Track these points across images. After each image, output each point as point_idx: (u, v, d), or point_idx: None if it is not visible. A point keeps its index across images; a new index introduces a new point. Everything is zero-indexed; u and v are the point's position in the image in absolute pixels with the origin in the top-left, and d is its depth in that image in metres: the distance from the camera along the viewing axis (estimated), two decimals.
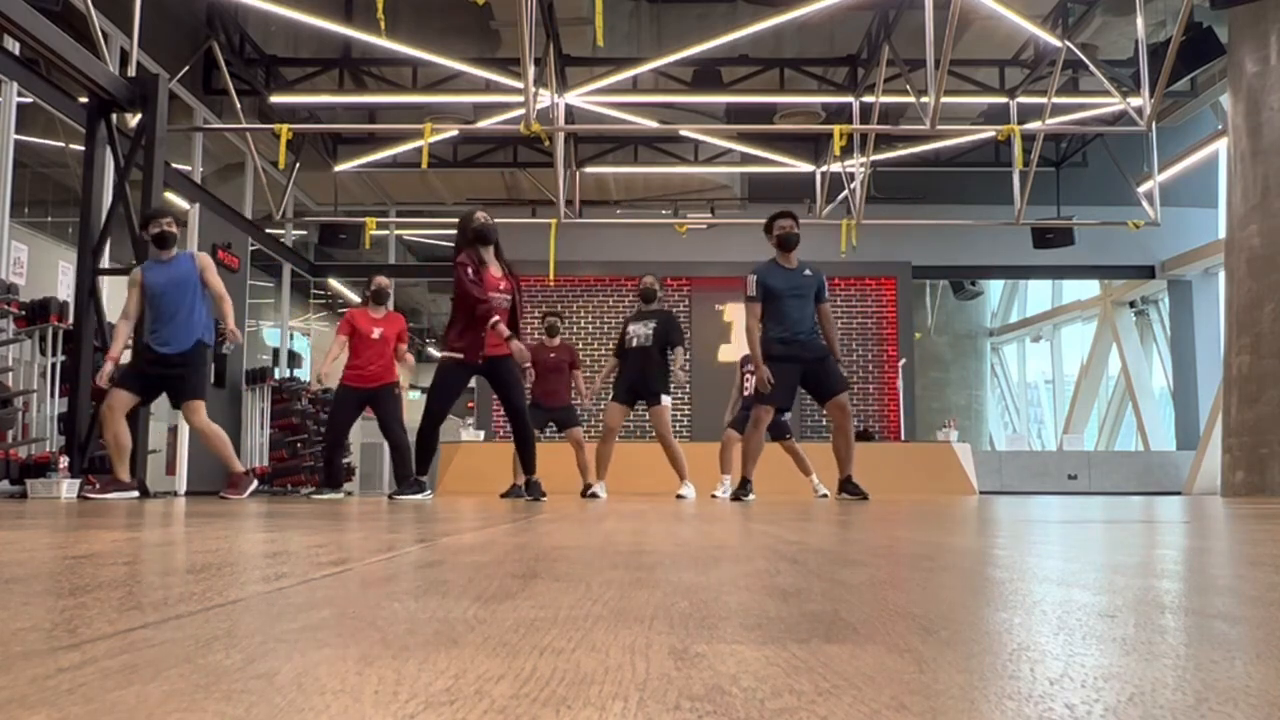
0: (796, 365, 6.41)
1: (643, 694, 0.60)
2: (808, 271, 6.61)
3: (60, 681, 0.62)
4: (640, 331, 7.94)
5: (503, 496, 7.70)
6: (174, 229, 6.68)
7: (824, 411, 6.81)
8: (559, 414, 8.58)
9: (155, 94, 7.89)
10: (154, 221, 6.65)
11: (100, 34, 7.77)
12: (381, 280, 8.04)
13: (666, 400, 7.90)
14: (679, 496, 7.63)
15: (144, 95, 7.86)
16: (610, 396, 7.98)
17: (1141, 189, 13.21)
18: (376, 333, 7.83)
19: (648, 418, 8.16)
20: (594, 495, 7.75)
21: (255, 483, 6.79)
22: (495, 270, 6.25)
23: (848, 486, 6.54)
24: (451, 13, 11.80)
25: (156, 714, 0.54)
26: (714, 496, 8.16)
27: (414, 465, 6.48)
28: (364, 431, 16.75)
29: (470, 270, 6.11)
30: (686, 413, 14.86)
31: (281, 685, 0.61)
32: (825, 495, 8.04)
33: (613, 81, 11.94)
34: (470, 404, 14.40)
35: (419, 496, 6.35)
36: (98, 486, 6.53)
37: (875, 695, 0.60)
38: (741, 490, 6.60)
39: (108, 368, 6.42)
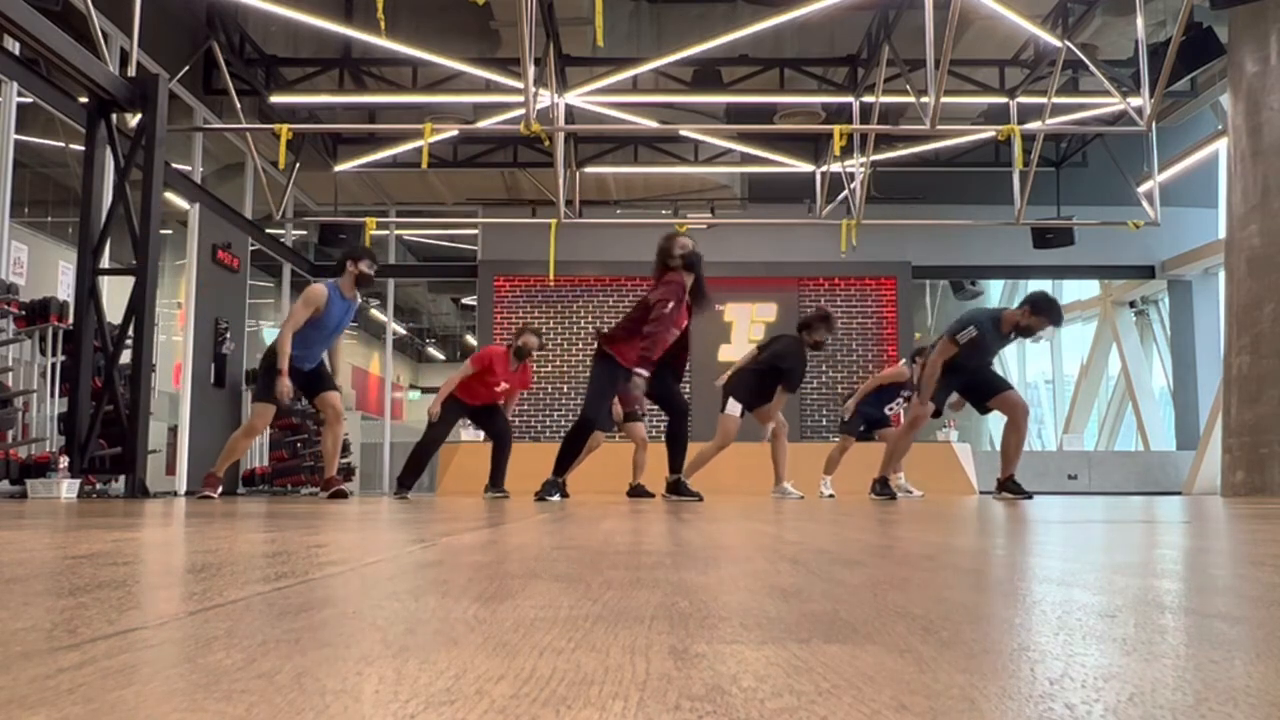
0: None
1: (643, 694, 0.60)
2: None
3: (60, 681, 0.62)
4: None
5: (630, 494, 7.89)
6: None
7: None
8: (629, 414, 8.58)
9: (155, 94, 7.89)
10: (371, 263, 6.91)
11: (100, 34, 7.76)
12: (532, 341, 7.97)
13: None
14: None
15: (144, 95, 7.86)
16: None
17: (1141, 189, 13.20)
18: (502, 387, 7.93)
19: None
20: (696, 495, 7.49)
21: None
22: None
23: (1009, 486, 7.37)
24: (451, 13, 11.80)
25: (156, 714, 0.54)
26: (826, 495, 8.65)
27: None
28: (364, 432, 16.76)
29: (671, 305, 6.15)
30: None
31: (281, 685, 0.61)
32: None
33: (613, 81, 11.93)
34: None
35: (556, 498, 6.32)
36: (208, 487, 6.83)
37: (875, 695, 0.60)
38: (885, 487, 7.50)
39: (286, 384, 6.55)
